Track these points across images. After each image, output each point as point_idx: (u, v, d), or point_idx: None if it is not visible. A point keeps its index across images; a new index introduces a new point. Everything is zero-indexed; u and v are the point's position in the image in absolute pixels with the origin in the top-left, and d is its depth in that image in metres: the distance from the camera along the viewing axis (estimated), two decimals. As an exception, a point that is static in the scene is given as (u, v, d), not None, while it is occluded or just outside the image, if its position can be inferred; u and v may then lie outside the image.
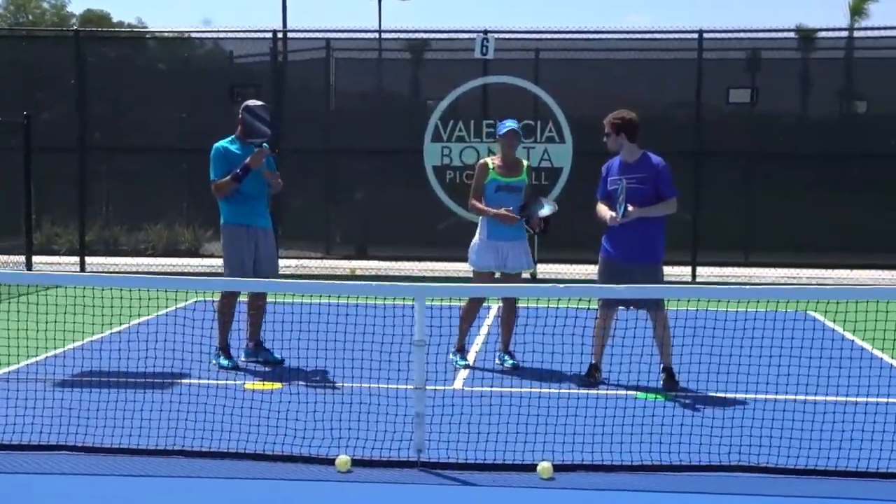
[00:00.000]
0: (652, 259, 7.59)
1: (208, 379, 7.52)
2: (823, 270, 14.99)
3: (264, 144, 8.38)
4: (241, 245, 8.39)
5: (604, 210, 7.74)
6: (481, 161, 8.54)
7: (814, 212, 15.41)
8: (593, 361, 7.67)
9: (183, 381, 7.47)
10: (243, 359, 8.47)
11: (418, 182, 15.29)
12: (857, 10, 44.83)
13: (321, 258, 16.13)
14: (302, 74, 17.72)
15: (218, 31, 15.24)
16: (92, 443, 5.84)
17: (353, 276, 15.08)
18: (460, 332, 8.28)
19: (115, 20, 48.57)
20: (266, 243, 8.53)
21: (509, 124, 8.38)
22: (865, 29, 15.29)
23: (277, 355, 8.35)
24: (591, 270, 15.07)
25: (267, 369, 8.17)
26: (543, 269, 14.95)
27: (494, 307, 9.01)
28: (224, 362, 8.24)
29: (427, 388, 5.71)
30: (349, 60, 17.16)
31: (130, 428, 6.07)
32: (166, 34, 18.58)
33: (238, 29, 15.48)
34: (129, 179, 17.39)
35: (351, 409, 6.39)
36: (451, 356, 8.22)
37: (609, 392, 7.20)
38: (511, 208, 8.17)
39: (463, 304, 8.39)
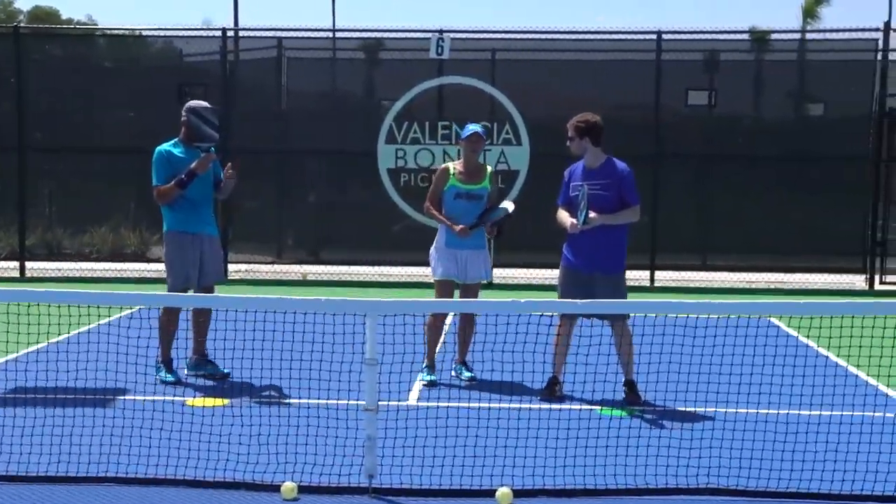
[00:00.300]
0: (615, 269, 7.31)
1: (148, 395, 7.10)
2: (782, 274, 14.84)
3: (211, 149, 7.98)
4: (186, 253, 8.00)
5: (564, 217, 7.41)
6: (444, 165, 8.18)
7: (771, 214, 15.28)
8: (553, 374, 7.37)
9: (120, 398, 7.06)
10: (187, 373, 8.08)
11: (372, 184, 14.94)
12: (809, 13, 45.19)
13: (272, 262, 15.70)
14: (253, 74, 17.30)
15: (166, 29, 14.80)
16: (16, 471, 5.42)
17: (304, 282, 14.69)
18: (428, 347, 7.89)
19: (64, 17, 47.61)
20: (212, 251, 8.15)
21: (473, 127, 8.03)
22: (823, 31, 15.16)
23: (223, 369, 7.97)
24: (548, 275, 14.83)
25: (212, 384, 7.78)
26: (499, 274, 14.66)
27: (451, 317, 8.64)
28: (166, 377, 7.85)
29: (381, 403, 5.38)
30: (301, 60, 16.77)
31: (59, 454, 5.64)
32: (112, 31, 18.00)
33: (187, 27, 15.02)
34: (73, 181, 16.92)
35: (298, 430, 6.02)
36: (419, 376, 7.84)
37: (571, 407, 6.89)
38: (464, 226, 7.80)
39: (427, 317, 8.05)
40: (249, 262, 15.59)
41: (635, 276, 14.66)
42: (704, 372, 6.37)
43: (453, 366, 8.05)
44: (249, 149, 15.92)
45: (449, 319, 9.30)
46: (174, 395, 7.09)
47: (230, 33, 15.26)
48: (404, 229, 14.87)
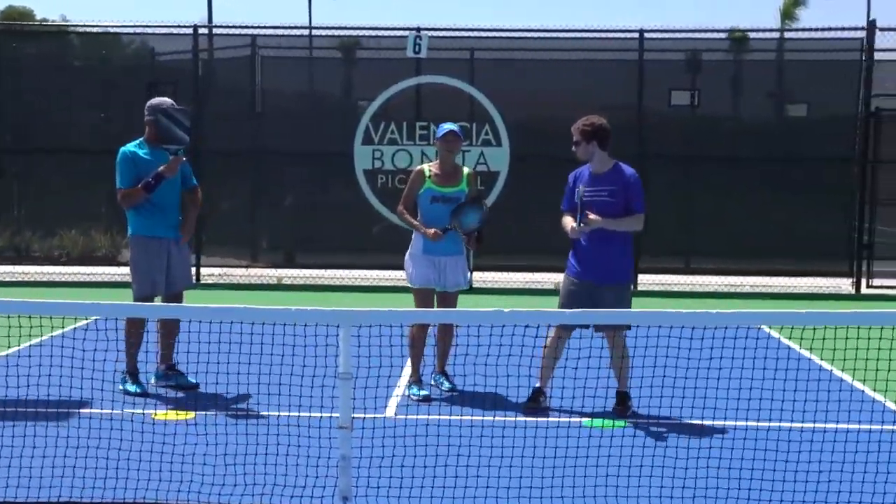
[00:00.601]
0: (620, 278, 7.04)
1: (108, 409, 6.71)
2: (767, 278, 14.57)
3: (180, 151, 7.60)
4: (152, 259, 7.64)
5: (567, 221, 7.14)
6: (419, 167, 7.81)
7: (756, 216, 15.02)
8: (538, 385, 7.05)
9: (83, 411, 6.68)
10: (154, 383, 7.71)
11: (349, 186, 14.59)
12: (787, 14, 45.15)
13: (246, 266, 15.31)
14: (226, 73, 16.94)
15: (135, 26, 14.41)
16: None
17: (280, 286, 14.32)
18: (412, 361, 7.56)
19: (38, 17, 46.97)
20: (180, 257, 7.79)
21: (448, 126, 7.68)
22: (807, 30, 14.90)
23: (192, 379, 7.61)
24: (529, 278, 14.57)
25: (180, 395, 7.42)
26: (479, 277, 14.36)
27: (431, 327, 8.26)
28: (132, 388, 7.47)
29: (357, 416, 5.04)
30: (276, 59, 16.40)
31: (6, 477, 5.26)
32: (78, 28, 17.55)
33: (157, 24, 14.60)
34: (43, 182, 16.46)
35: (268, 448, 5.66)
36: (407, 391, 7.52)
37: (558, 419, 6.56)
38: (436, 229, 7.44)
39: (408, 328, 7.72)
40: (222, 266, 15.18)
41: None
42: (696, 383, 6.05)
43: (433, 375, 7.72)
44: (223, 150, 15.59)
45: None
46: (136, 409, 6.71)
47: (202, 31, 14.76)
48: (382, 231, 14.52)
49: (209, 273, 14.77)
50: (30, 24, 27.28)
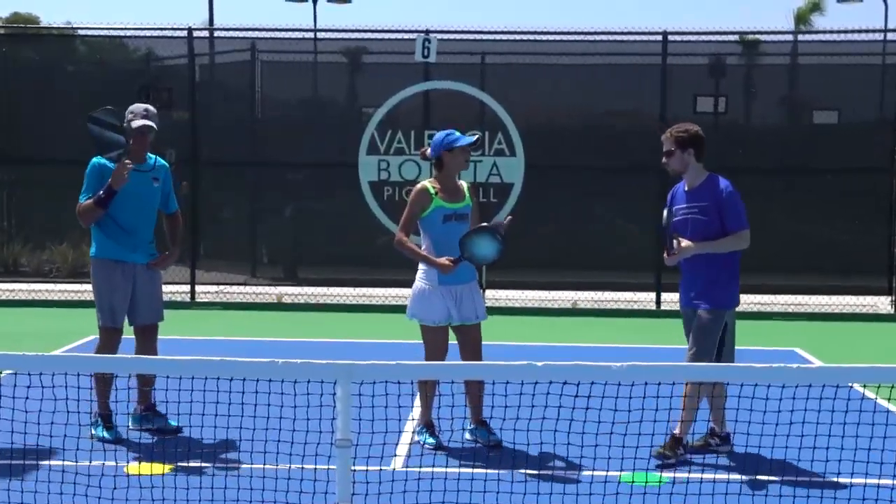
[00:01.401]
0: (708, 303, 6.21)
1: (72, 461, 5.80)
2: (798, 296, 13.65)
3: (123, 156, 6.66)
4: (114, 285, 6.77)
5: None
6: (420, 185, 6.75)
7: (787, 230, 14.14)
8: (677, 433, 6.15)
9: (44, 463, 5.79)
10: (130, 427, 6.85)
11: (354, 198, 13.73)
12: (802, 20, 44.25)
13: (243, 284, 14.42)
14: (225, 78, 16.14)
15: (127, 28, 13.56)
16: None
17: (279, 305, 13.45)
18: (423, 403, 6.62)
19: (44, 23, 46.18)
20: (147, 286, 6.90)
21: (461, 135, 6.72)
22: (842, 32, 13.99)
23: (174, 422, 6.75)
24: (544, 297, 13.68)
25: (159, 441, 6.55)
26: (491, 296, 13.48)
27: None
28: (104, 434, 6.61)
29: (357, 468, 4.18)
30: (277, 64, 15.57)
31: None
32: (69, 32, 16.74)
33: (150, 26, 13.73)
34: (34, 193, 15.64)
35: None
36: (416, 436, 6.63)
37: (591, 473, 5.66)
38: (449, 259, 6.48)
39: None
40: (219, 284, 14.29)
41: (640, 298, 13.52)
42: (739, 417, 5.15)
43: (468, 427, 6.69)
44: (221, 159, 14.82)
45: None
46: (108, 460, 5.84)
47: (198, 34, 13.92)
48: (388, 245, 13.64)
49: (205, 291, 13.90)
50: (11, 26, 26.43)
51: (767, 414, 4.89)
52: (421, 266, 6.67)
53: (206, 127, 15.25)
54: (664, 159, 6.38)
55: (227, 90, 16.11)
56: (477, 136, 6.77)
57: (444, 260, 6.48)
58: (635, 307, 13.32)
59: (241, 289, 14.14)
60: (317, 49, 15.70)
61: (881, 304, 13.52)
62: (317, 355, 9.43)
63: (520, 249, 13.89)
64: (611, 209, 14.45)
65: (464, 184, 6.86)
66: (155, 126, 6.87)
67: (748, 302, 13.39)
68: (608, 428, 4.95)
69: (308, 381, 4.08)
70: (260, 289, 14.17)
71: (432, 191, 6.65)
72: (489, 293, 13.45)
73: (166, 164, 7.16)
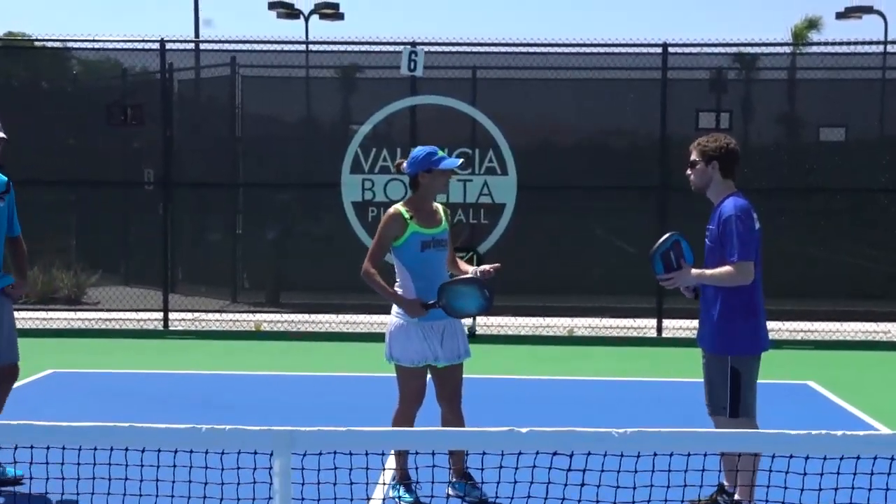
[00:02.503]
0: (718, 349, 5.43)
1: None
2: (808, 323, 12.88)
3: None
4: None
5: None
6: (392, 210, 5.97)
7: (796, 252, 13.44)
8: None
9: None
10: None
11: (337, 220, 13.00)
12: (799, 37, 43.65)
13: (219, 311, 13.64)
14: (204, 94, 15.44)
15: (95, 41, 12.85)
16: None
17: (258, 333, 12.69)
18: (397, 455, 5.90)
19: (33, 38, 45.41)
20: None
21: (443, 154, 6.00)
22: (854, 43, 13.29)
23: (14, 470, 5.76)
24: (538, 323, 12.94)
25: None
26: (483, 323, 12.76)
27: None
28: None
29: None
30: (258, 79, 14.85)
31: None
32: (27, 44, 16.01)
33: (119, 38, 12.99)
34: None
35: None
36: (391, 492, 5.90)
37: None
38: (419, 301, 5.77)
39: (395, 412, 6.06)
40: (194, 310, 13.52)
41: (640, 325, 12.77)
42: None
43: (451, 482, 5.96)
44: (198, 178, 14.13)
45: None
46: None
47: (171, 46, 13.19)
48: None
49: (179, 318, 13.14)
50: None
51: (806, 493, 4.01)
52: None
53: (185, 145, 14.60)
54: (687, 171, 5.64)
55: (207, 106, 15.43)
56: (462, 160, 6.01)
57: (416, 302, 5.77)
58: (635, 334, 12.57)
59: (218, 316, 13.36)
60: (308, 63, 14.99)
61: (895, 330, 12.78)
62: (294, 390, 8.67)
63: (512, 273, 13.17)
64: (608, 230, 13.71)
65: (439, 206, 6.12)
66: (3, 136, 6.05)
67: (754, 329, 12.68)
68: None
69: (239, 452, 3.32)
70: (237, 316, 13.39)
71: (407, 215, 5.91)
72: (480, 320, 12.71)
73: (6, 178, 6.26)
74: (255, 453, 3.28)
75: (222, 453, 3.30)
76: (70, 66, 16.61)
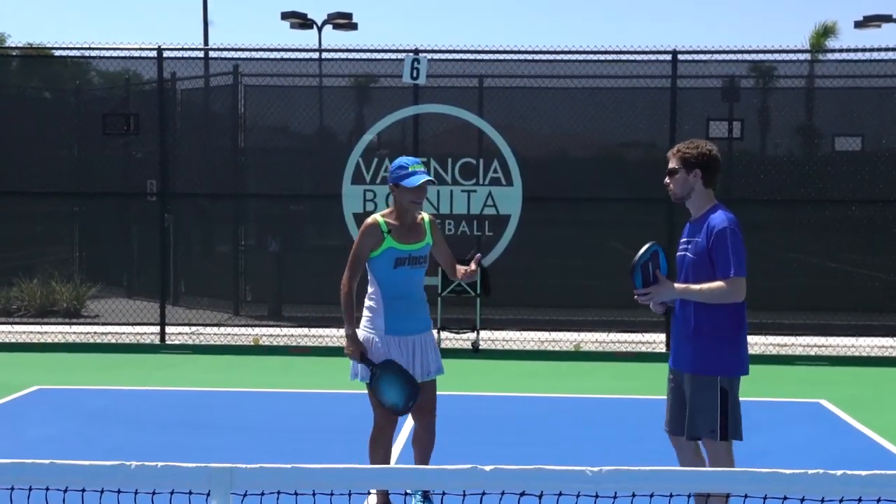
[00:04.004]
0: (706, 369, 5.02)
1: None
2: (822, 338, 12.50)
3: None
4: None
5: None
6: (371, 219, 5.72)
7: (809, 265, 13.10)
8: None
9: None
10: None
11: (341, 231, 12.72)
12: (817, 46, 43.21)
13: (217, 325, 13.36)
14: (205, 103, 15.21)
15: (90, 48, 12.65)
16: None
17: (257, 348, 12.40)
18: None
19: (22, 44, 45.36)
20: None
21: (420, 169, 5.70)
22: (871, 50, 12.91)
23: None
24: (544, 338, 12.60)
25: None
26: (487, 337, 12.45)
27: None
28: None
29: None
30: (262, 88, 14.59)
31: None
32: (18, 53, 15.81)
33: (115, 46, 12.75)
34: (1, 226, 14.70)
35: None
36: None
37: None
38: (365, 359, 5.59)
39: (373, 426, 5.85)
40: (192, 324, 13.23)
41: (648, 340, 12.42)
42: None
43: (410, 494, 5.81)
44: (199, 190, 13.92)
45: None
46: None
47: (169, 54, 12.94)
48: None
49: (178, 332, 12.87)
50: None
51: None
52: (365, 311, 5.71)
53: (187, 155, 14.39)
54: (666, 179, 5.27)
55: (209, 116, 15.20)
56: (426, 178, 5.68)
57: (357, 350, 5.58)
58: (643, 349, 12.22)
59: (217, 330, 13.08)
60: (310, 72, 14.74)
61: (913, 346, 12.38)
62: (288, 409, 8.33)
63: (517, 286, 12.92)
64: (616, 242, 13.38)
65: (425, 217, 5.84)
66: None
67: (766, 343, 12.34)
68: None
69: (172, 492, 3.02)
70: (236, 330, 13.11)
71: (384, 227, 5.65)
72: (485, 334, 12.40)
73: None
74: (190, 493, 2.98)
75: (153, 493, 2.99)
76: (72, 76, 16.42)
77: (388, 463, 5.79)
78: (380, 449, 5.73)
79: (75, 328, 13.16)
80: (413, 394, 5.53)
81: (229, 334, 12.91)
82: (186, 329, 13.00)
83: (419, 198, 5.68)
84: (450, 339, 12.39)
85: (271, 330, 13.10)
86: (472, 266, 5.67)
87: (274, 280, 14.10)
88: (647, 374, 11.01)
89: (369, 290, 5.73)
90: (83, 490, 2.96)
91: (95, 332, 12.96)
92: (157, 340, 12.51)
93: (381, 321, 5.62)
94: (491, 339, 12.48)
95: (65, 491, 2.98)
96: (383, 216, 5.72)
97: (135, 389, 9.76)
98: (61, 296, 14.32)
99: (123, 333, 12.84)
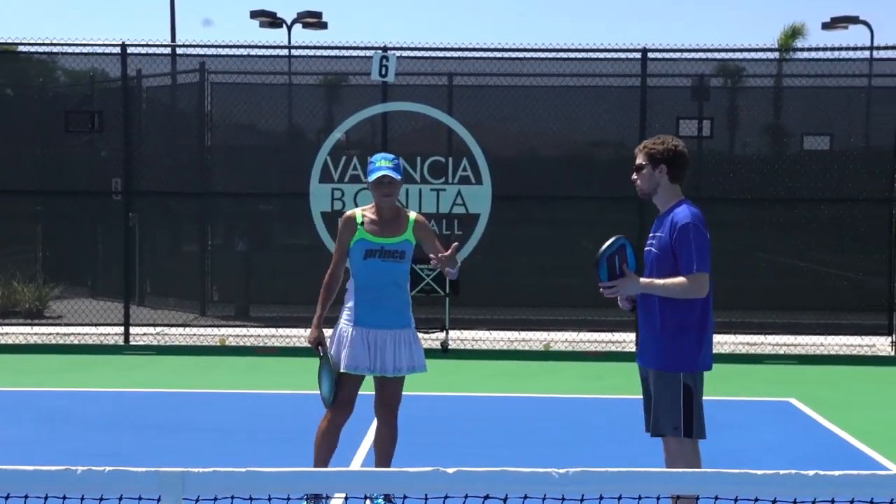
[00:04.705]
0: (669, 365, 4.97)
1: None
2: (790, 336, 12.49)
3: None
4: None
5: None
6: (349, 212, 5.91)
7: (778, 264, 13.08)
8: None
9: None
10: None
11: (308, 230, 12.59)
12: (785, 47, 43.44)
13: (183, 325, 13.19)
14: (171, 101, 15.01)
15: (52, 44, 12.40)
16: None
17: (223, 348, 12.23)
18: (317, 466, 5.66)
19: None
20: None
21: (381, 164, 5.74)
22: (834, 49, 12.92)
23: None
24: (514, 337, 12.52)
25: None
26: (456, 336, 12.35)
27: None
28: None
29: None
30: (228, 86, 14.41)
31: None
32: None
33: (79, 42, 12.51)
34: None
35: None
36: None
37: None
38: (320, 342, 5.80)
39: (321, 420, 5.87)
40: (156, 324, 13.05)
41: (618, 339, 12.35)
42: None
43: (368, 496, 5.69)
44: (165, 190, 13.73)
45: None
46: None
47: (133, 50, 12.75)
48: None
49: (142, 333, 12.69)
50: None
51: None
52: (345, 300, 5.83)
53: (152, 153, 14.19)
54: (633, 176, 5.21)
55: (175, 114, 15.01)
56: (383, 174, 5.69)
57: (315, 340, 5.77)
58: (613, 348, 12.15)
59: (182, 330, 12.91)
60: (278, 70, 14.56)
61: (880, 344, 12.38)
62: (253, 409, 8.21)
63: (486, 286, 12.83)
64: (586, 241, 13.31)
65: (411, 214, 5.86)
66: None
67: (735, 342, 12.30)
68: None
69: (121, 498, 2.89)
70: (202, 330, 12.94)
71: (359, 220, 5.78)
72: (454, 334, 12.30)
73: None
74: (140, 499, 2.85)
75: (101, 499, 2.87)
76: (38, 73, 16.17)
77: (331, 452, 5.80)
78: (326, 447, 5.77)
79: (37, 329, 12.95)
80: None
81: (195, 335, 12.74)
82: (151, 330, 12.83)
83: (384, 192, 5.72)
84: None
85: (238, 330, 12.94)
86: (450, 252, 5.63)
87: (241, 279, 13.94)
88: (616, 373, 10.93)
89: (349, 281, 5.85)
90: (25, 496, 2.83)
91: (58, 333, 12.76)
92: (120, 341, 12.32)
93: (351, 312, 5.74)
94: (460, 338, 12.39)
95: (6, 498, 2.84)
96: (362, 210, 5.86)
97: (96, 391, 9.59)
98: (23, 296, 14.07)
99: (86, 334, 12.63)
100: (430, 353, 11.81)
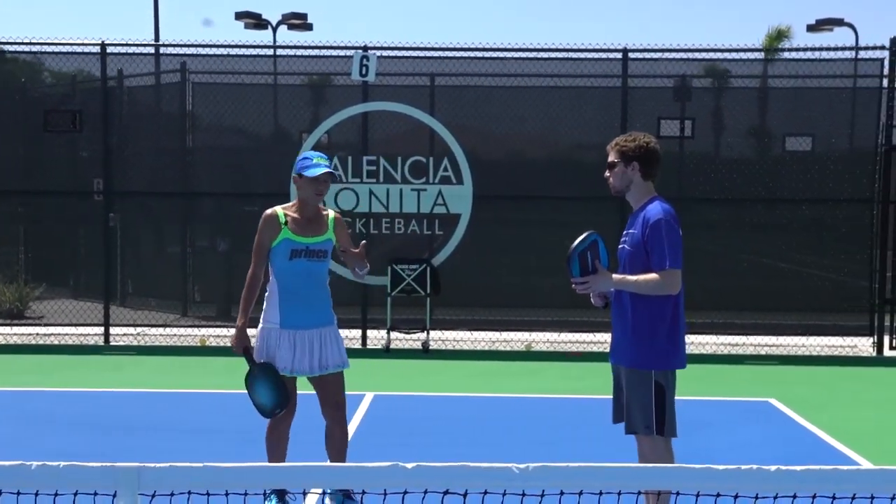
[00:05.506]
0: (641, 363, 4.96)
1: None
2: (772, 337, 12.51)
3: None
4: None
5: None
6: (270, 211, 5.72)
7: (760, 265, 13.08)
8: None
9: None
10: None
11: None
12: (769, 48, 43.53)
13: (163, 325, 13.14)
14: (153, 101, 14.96)
15: (29, 43, 12.36)
16: None
17: (203, 349, 12.19)
18: (273, 461, 5.69)
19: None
20: None
21: (317, 161, 5.67)
22: (813, 49, 12.94)
23: None
24: (495, 338, 12.50)
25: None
26: (437, 337, 12.33)
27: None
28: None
29: None
30: (210, 86, 14.36)
31: None
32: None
33: (58, 41, 12.47)
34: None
35: None
36: (265, 502, 5.59)
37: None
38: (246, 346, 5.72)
39: (268, 423, 5.87)
40: (137, 325, 13.00)
41: (599, 339, 12.33)
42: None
43: (328, 494, 5.75)
44: (147, 190, 13.69)
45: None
46: None
47: (112, 49, 12.69)
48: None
49: (123, 333, 12.63)
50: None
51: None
52: (264, 304, 5.72)
53: (133, 153, 14.13)
54: (606, 173, 5.21)
55: (157, 114, 14.96)
56: (327, 171, 5.64)
57: (241, 345, 5.70)
58: (594, 349, 12.13)
59: (162, 331, 12.85)
60: (275, 69, 14.52)
61: (862, 345, 12.40)
62: (232, 409, 8.20)
63: (468, 286, 12.81)
64: (567, 242, 13.30)
65: (330, 213, 5.81)
66: None
67: (717, 343, 12.31)
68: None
69: (76, 493, 2.86)
70: (182, 331, 12.89)
71: (282, 219, 5.64)
72: (435, 334, 12.28)
73: None
74: (96, 494, 2.82)
75: (55, 494, 2.84)
76: (21, 72, 16.09)
77: (283, 448, 5.80)
78: (278, 443, 5.77)
79: (17, 329, 12.88)
80: (282, 403, 5.56)
81: (175, 335, 12.69)
82: (132, 330, 12.77)
83: (320, 189, 5.64)
84: (400, 340, 12.26)
85: (218, 330, 12.87)
86: (359, 249, 5.63)
87: (223, 280, 13.89)
88: (598, 373, 10.88)
89: (270, 282, 5.73)
90: None
91: (38, 334, 12.70)
92: (101, 342, 12.27)
93: (276, 314, 5.63)
94: (441, 339, 12.37)
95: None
96: (283, 208, 5.73)
97: (74, 391, 9.54)
98: (4, 297, 14.01)
99: (66, 335, 12.57)
100: (412, 354, 11.87)
